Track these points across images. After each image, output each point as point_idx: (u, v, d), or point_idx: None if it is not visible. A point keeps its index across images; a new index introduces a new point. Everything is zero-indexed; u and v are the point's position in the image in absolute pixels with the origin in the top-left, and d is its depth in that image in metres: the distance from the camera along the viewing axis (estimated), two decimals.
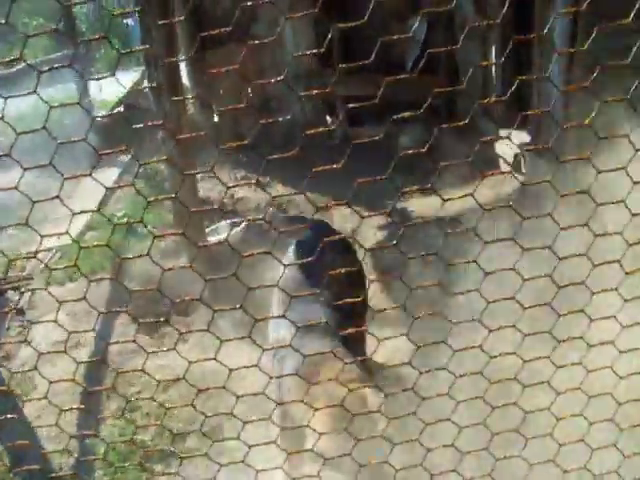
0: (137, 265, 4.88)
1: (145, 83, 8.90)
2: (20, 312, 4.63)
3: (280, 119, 6.82)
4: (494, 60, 5.93)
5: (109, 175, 6.90)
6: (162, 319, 4.44)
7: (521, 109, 5.30)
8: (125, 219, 5.76)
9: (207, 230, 5.22)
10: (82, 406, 3.75)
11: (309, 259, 3.09)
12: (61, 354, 4.16)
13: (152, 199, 6.17)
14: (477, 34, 6.13)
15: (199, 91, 6.94)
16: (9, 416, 3.68)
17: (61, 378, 3.88)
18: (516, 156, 5.36)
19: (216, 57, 6.78)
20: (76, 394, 3.85)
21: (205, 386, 3.78)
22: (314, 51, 7.28)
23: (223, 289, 4.25)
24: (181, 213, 4.95)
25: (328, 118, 7.32)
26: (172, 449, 3.43)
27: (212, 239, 5.09)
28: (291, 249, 3.60)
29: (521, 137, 5.45)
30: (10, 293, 4.87)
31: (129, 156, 7.21)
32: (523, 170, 5.31)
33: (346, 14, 6.48)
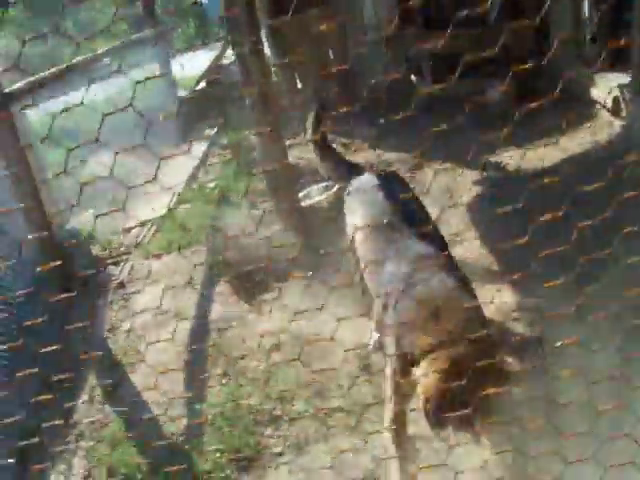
0: (233, 234, 4.91)
1: (224, 59, 8.99)
2: (121, 285, 4.73)
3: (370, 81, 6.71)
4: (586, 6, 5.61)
5: (198, 149, 6.96)
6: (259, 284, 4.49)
7: (618, 53, 5.02)
8: (216, 190, 5.78)
9: (300, 195, 5.18)
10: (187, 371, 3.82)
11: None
12: (164, 324, 4.27)
13: (241, 169, 6.24)
14: None
15: (281, 59, 6.86)
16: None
17: (165, 348, 4.01)
18: (615, 99, 5.06)
19: (295, 24, 6.70)
20: (181, 361, 3.91)
21: (307, 349, 3.82)
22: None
23: (318, 252, 4.26)
24: (273, 180, 4.94)
25: (413, 77, 7.13)
26: (280, 412, 3.44)
27: (305, 203, 5.05)
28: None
29: (619, 80, 5.15)
30: (110, 268, 4.98)
31: (215, 129, 7.27)
32: (623, 114, 5.02)
33: None
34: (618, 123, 5.05)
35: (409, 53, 6.90)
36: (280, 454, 3.21)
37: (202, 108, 7.34)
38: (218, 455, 3.23)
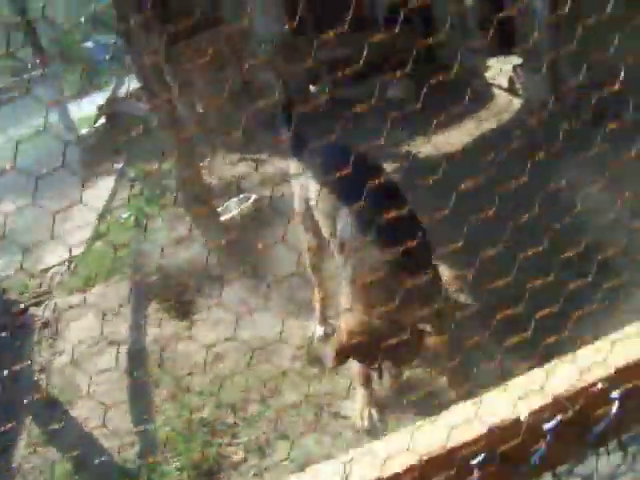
0: (154, 260, 4.82)
1: (120, 92, 8.85)
2: (46, 325, 4.53)
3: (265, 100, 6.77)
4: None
5: (107, 184, 6.79)
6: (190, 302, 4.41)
7: (504, 38, 5.25)
8: (131, 219, 5.66)
9: (218, 210, 5.13)
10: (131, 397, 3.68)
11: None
12: (98, 354, 4.11)
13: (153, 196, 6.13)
14: None
15: (178, 85, 6.81)
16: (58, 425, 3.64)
17: (106, 377, 3.86)
18: (510, 79, 5.28)
19: (189, 49, 6.69)
20: (123, 389, 3.77)
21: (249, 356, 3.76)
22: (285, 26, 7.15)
23: (243, 262, 4.23)
24: (189, 199, 4.87)
25: (312, 87, 7.23)
26: (235, 420, 3.36)
27: (224, 217, 5.01)
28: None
29: (510, 62, 5.38)
30: (33, 309, 4.77)
31: (121, 163, 7.13)
32: (520, 91, 5.23)
33: None
34: (517, 101, 5.26)
35: (305, 64, 6.99)
36: (244, 460, 3.12)
37: (104, 143, 7.19)
38: (178, 474, 3.11)
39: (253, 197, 5.15)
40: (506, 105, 5.35)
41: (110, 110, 7.68)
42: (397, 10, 6.59)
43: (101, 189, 6.48)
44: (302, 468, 2.82)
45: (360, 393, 3.16)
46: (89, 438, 3.50)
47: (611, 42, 1.41)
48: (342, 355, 2.78)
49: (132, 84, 7.32)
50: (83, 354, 4.08)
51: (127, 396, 3.68)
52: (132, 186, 6.57)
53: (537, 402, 0.89)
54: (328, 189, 3.00)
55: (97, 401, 3.64)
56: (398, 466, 0.85)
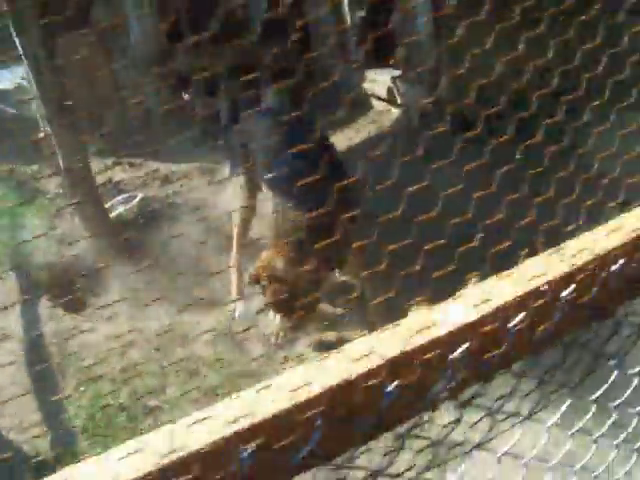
0: (38, 257, 4.63)
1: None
2: None
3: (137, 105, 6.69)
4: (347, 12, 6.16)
5: None
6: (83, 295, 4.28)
7: (382, 52, 5.54)
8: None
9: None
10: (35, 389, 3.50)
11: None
12: None
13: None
14: None
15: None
16: None
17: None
18: (389, 89, 5.61)
19: (65, 47, 6.45)
20: (25, 384, 3.56)
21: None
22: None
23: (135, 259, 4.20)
24: (76, 191, 4.73)
25: (184, 94, 7.20)
26: (156, 402, 3.30)
27: (112, 215, 4.90)
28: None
29: (389, 74, 5.72)
30: None
31: None
32: (399, 101, 5.58)
33: None
34: (395, 110, 5.59)
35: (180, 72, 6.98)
36: None
37: None
38: None
39: (139, 196, 5.08)
40: (384, 114, 5.67)
41: None
42: (274, 20, 6.78)
43: None
44: None
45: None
46: None
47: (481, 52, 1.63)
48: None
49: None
50: None
51: (31, 389, 3.49)
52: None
53: None
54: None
55: None
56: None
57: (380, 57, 5.70)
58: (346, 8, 6.11)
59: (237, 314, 3.76)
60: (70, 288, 4.38)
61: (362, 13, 5.95)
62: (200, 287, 4.15)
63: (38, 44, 4.74)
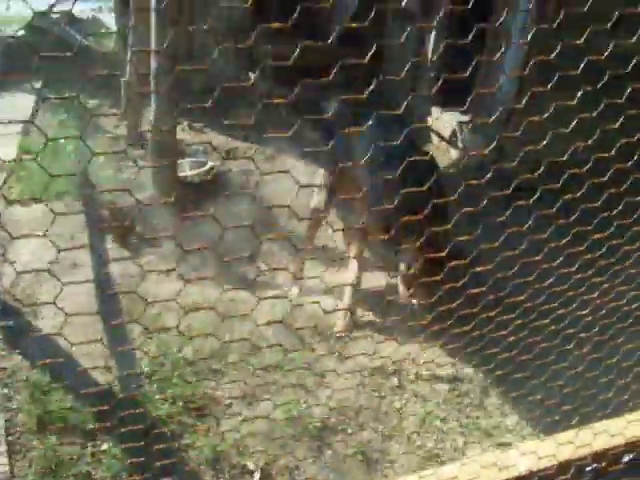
0: (108, 193, 4.78)
1: (57, 8, 8.29)
2: None
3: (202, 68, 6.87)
4: (431, 47, 6.46)
5: (22, 102, 6.45)
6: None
7: (455, 93, 5.86)
8: (69, 146, 5.49)
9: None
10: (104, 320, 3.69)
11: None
12: (61, 275, 4.05)
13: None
14: (410, 18, 6.63)
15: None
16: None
17: (71, 297, 3.83)
18: (453, 132, 5.95)
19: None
20: (93, 317, 3.74)
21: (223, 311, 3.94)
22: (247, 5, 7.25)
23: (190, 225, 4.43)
24: (157, 145, 4.92)
25: (251, 74, 7.41)
26: (218, 366, 3.55)
27: (180, 174, 5.09)
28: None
29: (457, 117, 6.05)
30: None
31: (39, 83, 6.80)
32: (459, 145, 5.91)
33: None
34: (453, 151, 5.94)
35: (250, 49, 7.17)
36: (229, 405, 3.34)
37: (22, 56, 6.80)
38: (168, 407, 3.23)
39: (209, 164, 5.29)
40: (443, 153, 6.01)
41: (40, 24, 7.25)
42: (353, 31, 7.03)
43: (20, 106, 6.16)
44: (288, 423, 3.13)
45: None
46: (59, 353, 3.46)
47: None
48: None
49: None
50: (40, 274, 3.99)
51: (100, 321, 3.68)
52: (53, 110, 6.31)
53: None
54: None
55: (66, 314, 3.60)
56: None
57: (451, 99, 6.02)
58: (432, 42, 6.42)
59: (293, 295, 4.07)
60: (129, 232, 4.57)
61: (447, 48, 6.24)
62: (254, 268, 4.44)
63: None
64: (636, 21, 1.96)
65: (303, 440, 3.19)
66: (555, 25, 1.64)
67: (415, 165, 2.87)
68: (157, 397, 3.27)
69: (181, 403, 3.25)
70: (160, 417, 3.15)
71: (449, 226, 2.28)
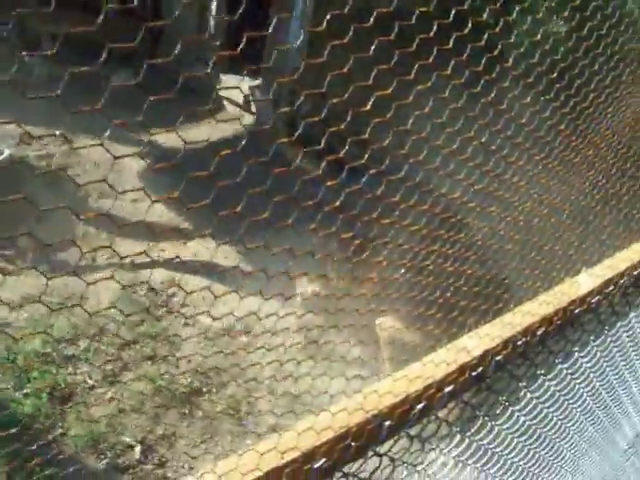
0: None
1: None
2: None
3: None
4: (213, 13, 6.56)
5: None
6: None
7: (243, 59, 6.08)
8: None
9: None
10: None
11: None
12: None
13: None
14: None
15: None
16: None
17: None
18: (246, 97, 6.14)
19: None
20: None
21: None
22: None
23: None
24: None
25: (25, 55, 6.99)
26: (72, 352, 3.53)
27: None
28: None
29: (248, 82, 6.26)
30: None
31: None
32: (253, 109, 6.14)
33: None
34: (248, 116, 6.15)
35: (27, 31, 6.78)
36: (92, 387, 3.36)
37: None
38: (33, 399, 3.18)
39: (7, 152, 5.04)
40: (237, 118, 6.19)
41: None
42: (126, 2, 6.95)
43: None
44: (156, 394, 3.25)
45: None
46: None
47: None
48: None
49: None
50: None
51: None
52: None
53: None
54: None
55: None
56: None
57: (240, 64, 6.20)
58: (213, 11, 6.53)
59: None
60: None
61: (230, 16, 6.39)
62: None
63: None
64: None
65: (173, 407, 3.32)
66: None
67: None
68: (17, 394, 3.20)
69: (44, 395, 3.22)
70: (27, 413, 3.10)
71: None
